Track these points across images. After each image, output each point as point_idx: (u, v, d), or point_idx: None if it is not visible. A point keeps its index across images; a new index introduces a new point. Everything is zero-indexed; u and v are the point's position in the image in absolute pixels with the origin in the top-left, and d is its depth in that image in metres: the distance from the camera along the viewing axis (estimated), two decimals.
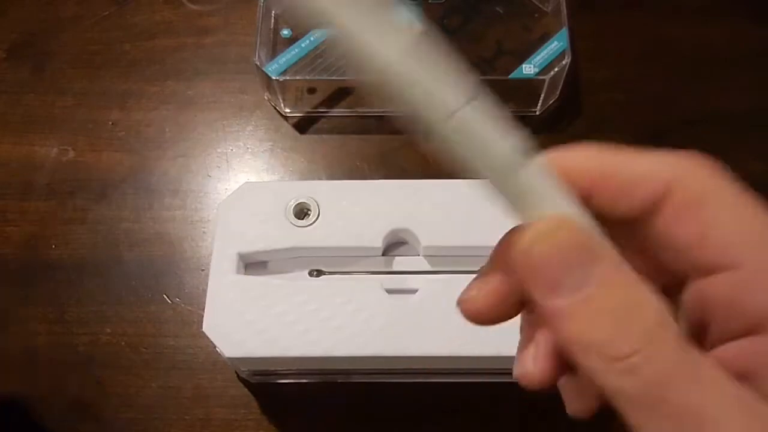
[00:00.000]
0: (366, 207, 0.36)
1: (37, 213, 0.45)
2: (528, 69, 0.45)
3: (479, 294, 0.20)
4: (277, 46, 0.47)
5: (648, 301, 0.17)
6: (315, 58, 0.47)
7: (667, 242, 0.18)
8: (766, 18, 0.50)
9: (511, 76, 0.45)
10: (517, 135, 0.17)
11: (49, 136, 0.47)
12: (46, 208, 0.45)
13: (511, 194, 0.18)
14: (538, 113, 0.48)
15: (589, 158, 0.19)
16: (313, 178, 0.46)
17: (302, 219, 0.36)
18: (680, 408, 0.16)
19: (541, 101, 0.47)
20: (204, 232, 0.44)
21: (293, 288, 0.34)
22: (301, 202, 0.36)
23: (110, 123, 0.48)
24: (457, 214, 0.36)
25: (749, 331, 0.17)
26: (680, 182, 0.18)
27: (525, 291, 0.18)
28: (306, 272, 0.36)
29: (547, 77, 0.45)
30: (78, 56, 0.51)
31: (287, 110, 0.48)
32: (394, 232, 0.36)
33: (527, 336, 0.20)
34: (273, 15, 0.49)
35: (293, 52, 0.47)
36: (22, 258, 0.43)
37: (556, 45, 0.46)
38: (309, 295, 0.34)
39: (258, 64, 0.45)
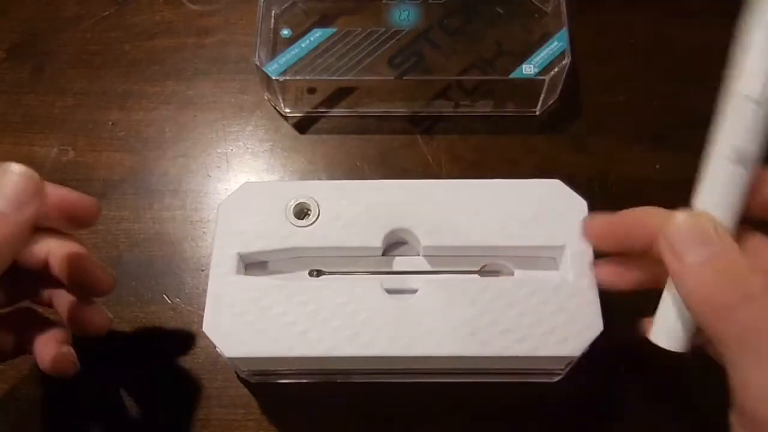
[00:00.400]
0: (366, 207, 0.36)
1: None
2: (528, 69, 0.45)
3: (596, 222, 0.30)
4: (277, 46, 0.47)
5: (750, 276, 0.24)
6: (315, 58, 0.47)
7: None
8: None
9: (511, 76, 0.45)
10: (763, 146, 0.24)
11: (49, 136, 0.47)
12: None
13: (708, 181, 0.26)
14: (538, 113, 0.48)
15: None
16: (313, 178, 0.46)
17: (302, 219, 0.36)
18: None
19: (541, 101, 0.47)
20: (204, 232, 0.44)
21: (293, 288, 0.34)
22: (301, 202, 0.36)
23: (110, 123, 0.48)
24: (457, 214, 0.36)
25: None
26: None
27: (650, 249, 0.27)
28: (306, 272, 0.36)
29: (547, 77, 0.45)
30: (78, 56, 0.51)
31: (287, 110, 0.48)
32: (394, 232, 0.36)
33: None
34: (273, 15, 0.49)
35: (293, 52, 0.47)
36: None
37: (556, 45, 0.46)
38: (309, 296, 0.34)
39: (258, 64, 0.45)
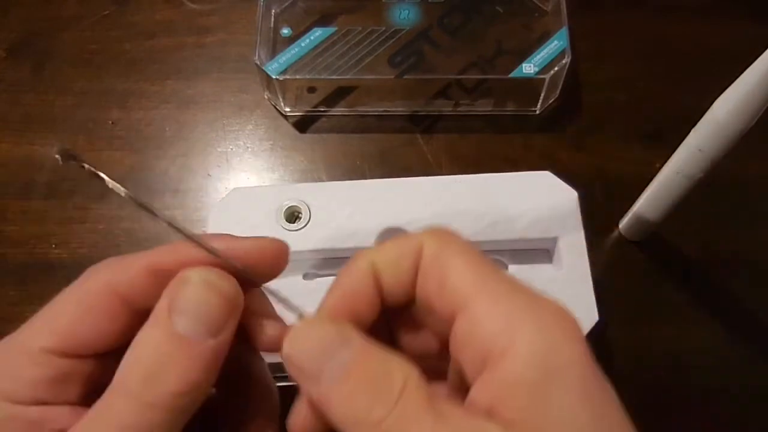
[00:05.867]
0: (356, 207, 0.36)
1: (37, 212, 0.45)
2: (528, 68, 0.45)
3: (296, 419, 0.22)
4: (277, 45, 0.47)
5: (395, 370, 0.19)
6: (315, 57, 0.47)
7: (424, 305, 0.21)
8: (766, 18, 0.50)
9: (511, 75, 0.45)
10: None
11: (49, 136, 0.47)
12: (46, 208, 0.45)
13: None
14: (538, 112, 0.48)
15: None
16: (313, 177, 0.46)
17: (293, 223, 0.36)
18: None
19: (541, 100, 0.47)
20: (204, 232, 0.44)
21: (288, 293, 0.34)
22: (291, 206, 0.36)
23: (110, 122, 0.48)
24: (449, 210, 0.36)
25: (483, 364, 0.19)
26: (422, 252, 0.21)
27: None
28: (300, 276, 0.36)
29: (547, 76, 0.45)
30: (78, 55, 0.51)
31: (287, 109, 0.48)
32: (386, 232, 0.36)
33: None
34: (273, 14, 0.49)
35: (293, 51, 0.47)
36: (22, 258, 0.43)
37: (556, 44, 0.46)
38: (304, 300, 0.34)
39: (258, 63, 0.45)
